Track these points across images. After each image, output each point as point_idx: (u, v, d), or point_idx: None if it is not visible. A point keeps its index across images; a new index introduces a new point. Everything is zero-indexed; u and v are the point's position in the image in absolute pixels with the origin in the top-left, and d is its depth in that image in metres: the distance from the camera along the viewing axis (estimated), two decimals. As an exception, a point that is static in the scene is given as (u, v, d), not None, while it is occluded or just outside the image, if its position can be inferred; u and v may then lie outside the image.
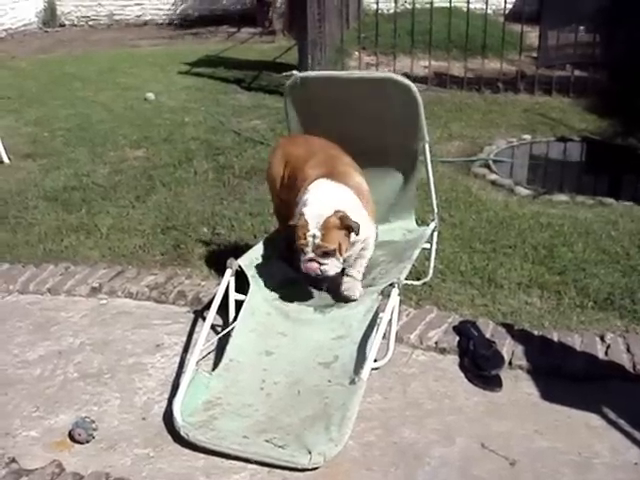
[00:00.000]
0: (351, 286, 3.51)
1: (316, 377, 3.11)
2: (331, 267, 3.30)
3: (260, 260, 3.78)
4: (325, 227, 3.25)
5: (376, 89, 3.63)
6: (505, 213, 4.84)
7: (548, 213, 4.86)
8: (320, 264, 3.28)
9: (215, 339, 3.47)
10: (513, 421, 3.07)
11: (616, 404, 3.13)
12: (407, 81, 3.57)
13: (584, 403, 3.14)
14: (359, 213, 3.38)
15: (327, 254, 3.27)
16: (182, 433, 2.95)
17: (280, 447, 2.85)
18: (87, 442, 3.02)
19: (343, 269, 3.46)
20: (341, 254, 3.30)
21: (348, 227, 3.27)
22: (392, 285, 3.30)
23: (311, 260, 3.28)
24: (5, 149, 6.33)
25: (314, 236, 3.24)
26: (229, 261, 3.59)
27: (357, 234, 3.30)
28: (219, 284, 3.59)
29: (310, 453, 2.82)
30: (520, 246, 4.39)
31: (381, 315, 3.26)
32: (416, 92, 3.54)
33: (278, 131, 6.52)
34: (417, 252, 3.70)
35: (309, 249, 3.27)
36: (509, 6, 8.94)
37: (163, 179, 5.68)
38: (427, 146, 3.75)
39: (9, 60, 10.41)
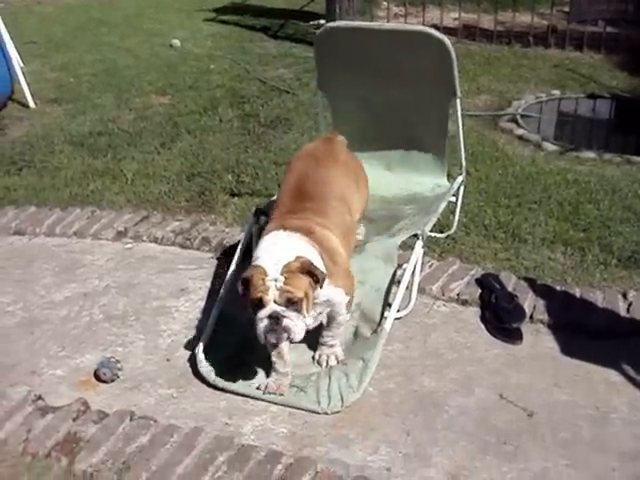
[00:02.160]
0: (327, 352, 3.07)
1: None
2: (297, 325, 2.65)
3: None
4: (288, 271, 2.65)
5: (408, 42, 3.57)
6: (531, 168, 4.80)
7: (575, 170, 4.81)
8: (284, 319, 2.63)
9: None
10: (532, 374, 3.09)
11: (636, 361, 3.14)
12: (441, 35, 3.50)
13: (604, 359, 3.15)
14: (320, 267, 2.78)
15: (292, 303, 2.63)
16: (205, 375, 3.02)
17: (301, 391, 2.91)
18: (112, 381, 3.08)
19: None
20: (307, 309, 2.70)
21: (312, 274, 2.69)
22: (416, 236, 3.30)
23: (272, 317, 2.63)
24: (31, 94, 6.33)
25: (275, 280, 2.63)
26: (254, 208, 3.61)
27: (321, 285, 2.72)
28: (243, 231, 3.62)
29: (330, 398, 2.87)
30: (545, 202, 4.36)
31: (405, 266, 3.28)
32: (450, 47, 3.49)
33: (304, 80, 6.48)
34: (443, 205, 3.69)
35: (270, 297, 2.62)
36: (542, -42, 8.73)
37: (188, 126, 5.68)
38: (458, 101, 3.71)
39: (35, 5, 10.35)
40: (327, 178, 3.27)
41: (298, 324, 2.67)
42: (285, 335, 2.65)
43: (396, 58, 3.65)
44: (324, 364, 3.05)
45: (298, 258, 2.70)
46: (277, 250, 2.75)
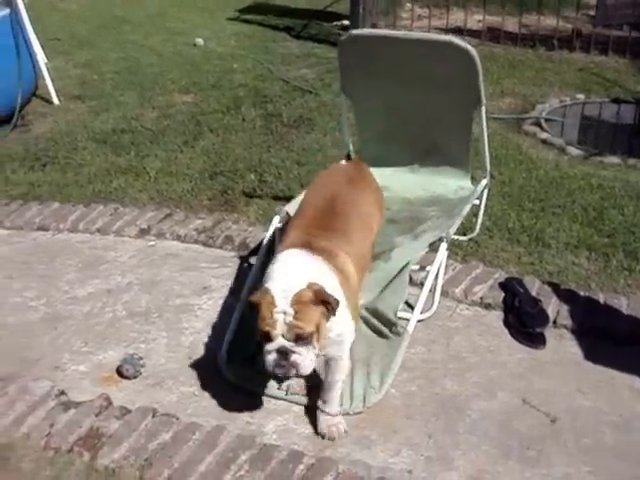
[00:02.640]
0: (331, 424, 2.81)
1: (362, 324, 3.12)
2: (306, 360, 2.50)
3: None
4: (297, 302, 2.47)
5: (434, 51, 3.55)
6: (555, 173, 4.77)
7: (599, 175, 4.78)
8: (292, 354, 2.48)
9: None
10: (555, 379, 3.07)
11: (661, 367, 3.12)
12: (466, 45, 3.49)
13: (628, 365, 3.13)
14: (336, 294, 2.60)
15: (302, 339, 2.48)
16: (227, 375, 3.03)
17: (323, 392, 2.90)
18: (134, 378, 3.10)
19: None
20: (318, 341, 2.54)
21: (326, 303, 2.52)
22: (440, 239, 3.30)
23: (281, 351, 2.48)
24: (55, 90, 6.37)
25: (285, 313, 2.47)
26: (277, 208, 3.61)
27: (334, 314, 2.56)
28: (266, 230, 3.62)
29: (352, 399, 2.87)
30: (569, 206, 4.33)
31: (428, 268, 3.28)
32: (475, 56, 3.47)
33: (327, 81, 6.47)
34: (467, 208, 3.68)
35: (278, 331, 2.47)
36: (568, -39, 8.69)
37: (211, 125, 5.69)
38: (484, 109, 3.70)
39: (59, 2, 10.40)
40: (357, 201, 3.20)
41: (307, 358, 2.52)
42: (293, 370, 2.52)
43: (421, 66, 3.64)
44: (335, 436, 2.79)
45: (311, 285, 2.51)
46: (290, 273, 2.59)
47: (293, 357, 2.49)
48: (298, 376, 2.62)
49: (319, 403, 2.83)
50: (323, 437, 2.79)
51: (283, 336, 2.47)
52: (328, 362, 2.78)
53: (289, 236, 2.92)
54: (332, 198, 3.11)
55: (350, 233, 2.99)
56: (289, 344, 2.48)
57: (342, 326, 2.69)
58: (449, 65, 3.56)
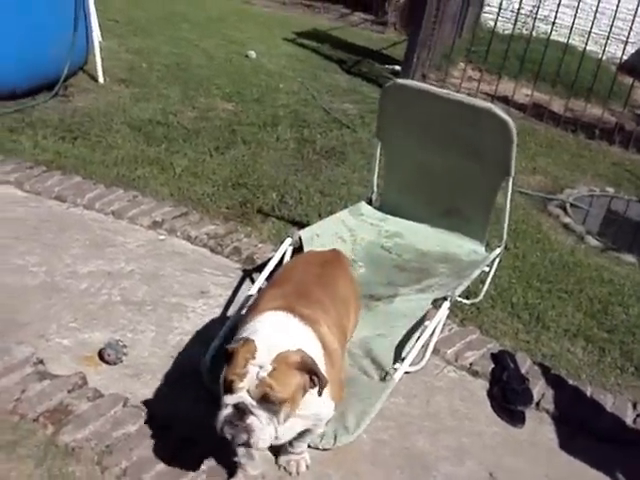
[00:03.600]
0: (292, 459, 2.68)
1: (348, 363, 3.11)
2: (264, 430, 2.18)
3: (321, 237, 3.80)
4: (281, 361, 2.19)
5: (473, 116, 3.59)
6: (570, 258, 4.78)
7: (612, 270, 4.78)
8: (250, 415, 2.16)
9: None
10: (526, 461, 3.05)
11: (633, 472, 3.09)
12: (506, 117, 3.53)
13: (601, 462, 3.11)
14: (321, 367, 2.34)
15: (269, 402, 2.16)
16: (207, 381, 3.00)
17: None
18: (114, 364, 3.09)
19: None
20: (286, 416, 2.23)
21: (312, 375, 2.25)
22: (445, 298, 3.30)
23: (239, 407, 2.17)
24: (103, 69, 6.44)
25: (260, 367, 2.17)
26: (291, 230, 3.64)
27: (320, 393, 2.28)
28: (275, 250, 3.63)
29: (322, 435, 2.85)
30: (576, 294, 4.33)
31: (426, 323, 3.27)
32: (513, 129, 3.52)
33: (367, 120, 6.52)
34: (477, 273, 3.69)
35: (243, 385, 2.16)
36: (625, 57, 8.78)
37: (245, 137, 5.73)
38: (511, 181, 3.73)
39: (124, -13, 10.57)
40: (335, 282, 3.00)
41: (266, 429, 2.18)
42: (244, 436, 2.17)
43: (457, 128, 3.69)
44: (294, 470, 2.67)
45: (301, 351, 2.26)
46: (278, 332, 2.33)
47: (250, 419, 2.17)
48: (247, 446, 2.22)
49: (286, 450, 2.67)
50: (287, 471, 2.68)
51: (248, 392, 2.17)
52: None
53: (266, 301, 2.62)
54: (310, 275, 2.91)
55: (329, 307, 2.74)
56: (250, 401, 2.16)
57: (320, 406, 2.42)
58: (485, 132, 3.60)
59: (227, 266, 3.96)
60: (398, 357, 3.13)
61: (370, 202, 4.22)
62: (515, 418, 3.24)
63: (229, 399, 2.19)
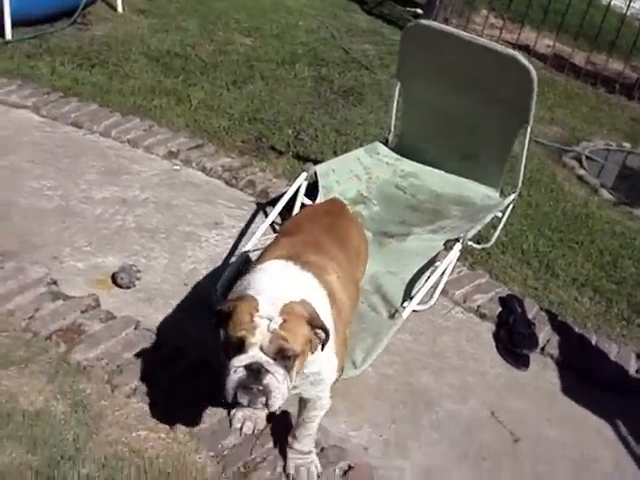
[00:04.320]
0: (300, 464, 2.46)
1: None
2: (281, 388, 1.96)
3: (337, 173, 3.80)
4: (289, 313, 1.98)
5: (495, 62, 3.54)
6: (582, 210, 4.77)
7: (624, 224, 4.77)
8: (267, 374, 1.94)
9: (272, 236, 3.51)
10: (529, 403, 3.10)
11: (633, 422, 3.14)
12: (529, 64, 3.49)
13: (602, 410, 3.16)
14: (326, 320, 2.13)
15: (285, 357, 1.97)
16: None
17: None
18: (127, 288, 3.13)
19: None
20: (296, 373, 2.05)
21: (316, 329, 2.05)
22: (457, 239, 3.30)
23: (253, 369, 1.94)
24: (122, -1, 6.37)
25: (270, 320, 1.95)
26: (307, 165, 3.63)
27: (322, 348, 2.08)
28: (289, 185, 3.63)
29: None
30: (587, 245, 4.33)
31: (437, 264, 3.29)
32: (535, 77, 3.48)
33: (386, 62, 6.44)
34: (490, 217, 3.69)
35: (256, 339, 1.94)
36: (651, 12, 8.62)
37: (263, 72, 5.68)
38: (529, 129, 3.70)
39: None
40: (345, 232, 2.84)
41: (282, 387, 1.97)
42: (262, 399, 1.96)
43: (478, 73, 3.65)
44: (305, 479, 2.44)
45: (305, 303, 2.05)
46: (280, 284, 2.11)
47: (267, 379, 1.95)
48: (266, 407, 1.99)
49: (290, 439, 2.47)
50: (289, 477, 2.44)
51: (261, 349, 1.95)
52: (303, 400, 2.37)
53: (272, 250, 2.45)
54: (320, 225, 2.72)
55: (340, 257, 2.55)
56: (266, 359, 1.95)
57: (323, 363, 2.20)
58: (507, 79, 3.56)
59: (241, 199, 3.97)
60: (407, 295, 3.15)
61: (386, 143, 4.20)
62: (520, 361, 3.28)
63: (239, 360, 1.94)
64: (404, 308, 3.06)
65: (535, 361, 3.32)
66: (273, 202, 3.74)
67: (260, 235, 3.34)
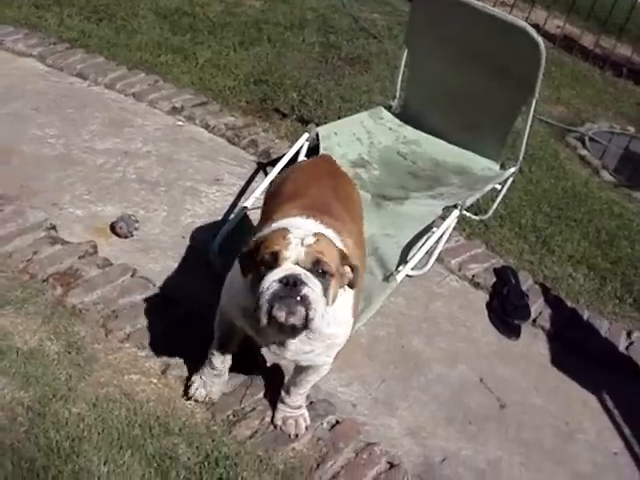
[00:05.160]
0: (289, 416, 2.45)
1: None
2: (320, 305, 1.90)
3: (339, 136, 3.81)
4: (320, 236, 1.98)
5: (505, 32, 3.53)
6: (582, 189, 4.77)
7: (623, 205, 4.78)
8: (304, 286, 1.88)
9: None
10: (517, 371, 3.13)
11: (618, 396, 3.18)
12: (539, 37, 3.48)
13: (590, 383, 3.20)
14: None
15: (321, 274, 1.92)
16: (214, 264, 3.04)
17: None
18: (125, 237, 3.15)
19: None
20: (332, 296, 1.99)
21: (347, 261, 2.03)
22: (455, 206, 3.31)
23: (287, 282, 1.88)
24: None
25: (303, 240, 1.94)
26: (309, 126, 3.64)
27: (354, 284, 2.07)
28: (291, 147, 3.63)
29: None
30: (585, 224, 4.34)
31: (434, 229, 3.30)
32: (543, 51, 3.47)
33: (394, 32, 6.40)
34: (489, 187, 3.70)
35: (290, 254, 1.91)
36: (663, -1, 8.55)
37: (271, 35, 5.65)
38: (534, 102, 3.70)
39: None
40: (347, 192, 2.75)
41: (321, 304, 1.90)
42: (302, 310, 1.87)
43: (487, 43, 3.64)
44: (292, 431, 2.44)
45: (331, 239, 2.05)
46: (304, 226, 2.06)
47: (305, 290, 1.88)
48: (306, 323, 1.90)
49: (282, 393, 2.45)
50: (283, 430, 2.44)
51: (297, 264, 1.91)
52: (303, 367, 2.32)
53: (280, 209, 2.31)
54: (327, 189, 2.58)
55: (350, 223, 2.47)
56: (303, 271, 1.90)
57: (339, 324, 2.16)
58: (515, 50, 3.55)
59: (243, 157, 3.97)
60: (403, 259, 3.16)
61: (390, 109, 4.19)
62: (511, 331, 3.31)
63: (275, 274, 1.89)
64: (399, 272, 3.08)
65: (526, 332, 3.35)
66: (274, 162, 3.74)
67: (260, 193, 3.34)
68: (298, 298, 1.86)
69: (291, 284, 1.87)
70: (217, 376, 2.46)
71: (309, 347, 2.15)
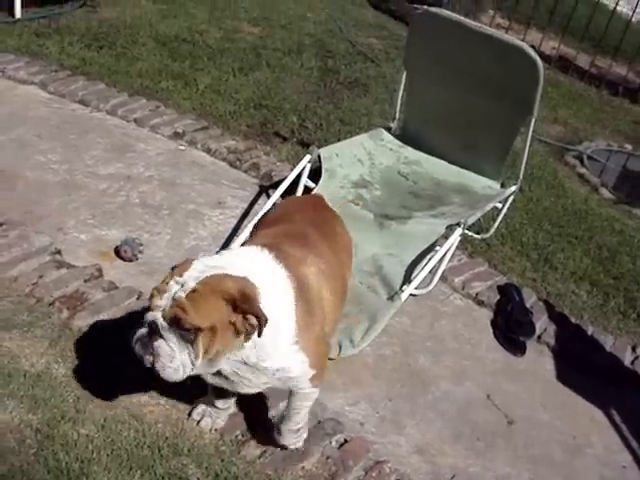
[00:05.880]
0: (290, 436, 2.41)
1: (357, 280, 3.16)
2: (173, 358, 1.94)
3: (340, 157, 3.84)
4: (206, 285, 1.93)
5: (503, 52, 3.57)
6: (582, 206, 4.79)
7: (623, 222, 4.80)
8: (157, 339, 1.94)
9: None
10: (523, 387, 3.13)
11: (625, 410, 3.18)
12: (536, 55, 3.52)
13: (595, 397, 3.20)
14: (286, 317, 2.09)
15: (179, 327, 1.91)
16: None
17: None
18: (130, 261, 3.16)
19: None
20: (206, 350, 1.96)
21: (245, 314, 1.95)
22: (457, 224, 3.33)
23: (151, 328, 1.95)
24: (130, -16, 6.39)
25: (182, 286, 1.93)
26: (311, 147, 3.66)
27: (259, 334, 1.95)
28: (293, 169, 3.66)
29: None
30: (586, 240, 4.36)
31: (437, 248, 3.32)
32: (541, 69, 3.52)
33: (392, 55, 6.46)
34: (490, 206, 3.73)
35: (160, 303, 1.93)
36: (656, 19, 8.64)
37: (269, 61, 5.70)
38: (533, 121, 3.73)
39: None
40: (333, 228, 2.78)
41: (176, 357, 1.93)
42: (150, 359, 1.95)
43: (486, 63, 3.67)
44: (287, 442, 2.44)
45: (245, 284, 1.98)
46: (232, 261, 2.07)
47: (158, 342, 1.94)
48: (156, 371, 1.97)
49: (274, 433, 2.42)
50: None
51: (164, 311, 1.93)
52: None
53: (255, 238, 2.47)
54: (307, 218, 2.65)
55: (327, 251, 2.47)
56: (161, 322, 1.93)
57: (286, 361, 2.13)
58: (513, 70, 3.59)
59: (245, 180, 4.00)
60: (407, 278, 3.18)
61: (390, 130, 4.23)
62: (516, 347, 3.32)
63: (145, 317, 1.97)
64: (403, 291, 3.09)
65: (531, 348, 3.36)
66: (276, 185, 3.76)
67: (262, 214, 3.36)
68: (151, 348, 1.95)
69: (151, 331, 1.95)
70: (223, 410, 2.47)
71: (264, 379, 2.17)
